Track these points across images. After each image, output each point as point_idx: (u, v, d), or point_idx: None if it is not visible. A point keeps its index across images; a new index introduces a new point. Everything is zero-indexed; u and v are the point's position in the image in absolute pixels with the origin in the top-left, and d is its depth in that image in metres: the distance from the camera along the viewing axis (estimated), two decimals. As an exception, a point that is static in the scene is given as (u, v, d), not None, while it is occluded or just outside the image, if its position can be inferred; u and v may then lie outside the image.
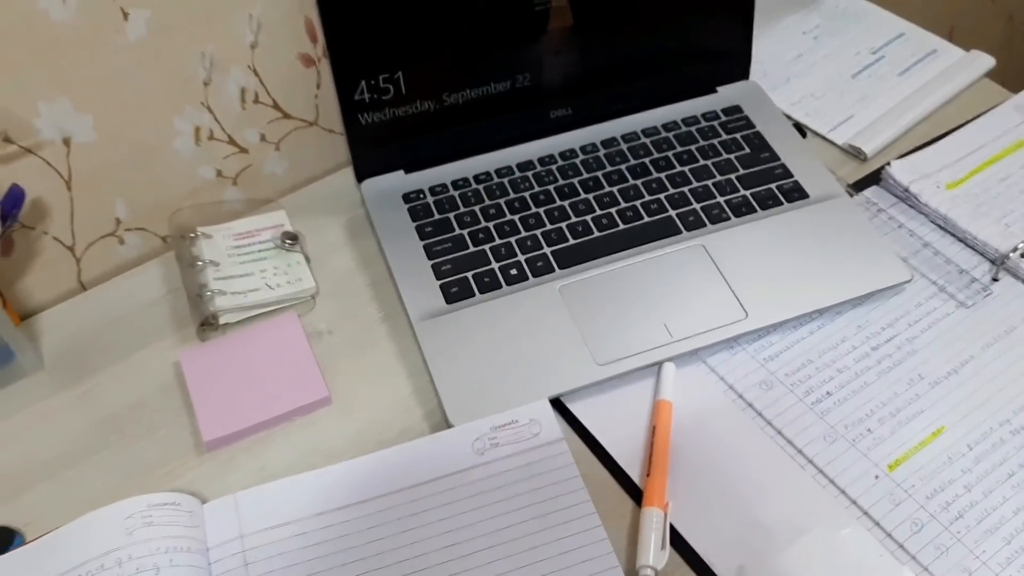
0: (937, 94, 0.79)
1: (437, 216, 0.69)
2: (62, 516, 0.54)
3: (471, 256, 0.66)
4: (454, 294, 0.64)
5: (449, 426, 0.58)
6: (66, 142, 0.63)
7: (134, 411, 0.61)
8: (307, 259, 0.69)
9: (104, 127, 0.64)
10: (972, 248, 0.68)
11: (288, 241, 0.69)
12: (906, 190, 0.70)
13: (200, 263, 0.67)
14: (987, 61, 0.82)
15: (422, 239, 0.68)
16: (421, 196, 0.70)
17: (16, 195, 0.59)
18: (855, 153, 0.76)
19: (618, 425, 0.59)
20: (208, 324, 0.64)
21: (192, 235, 0.69)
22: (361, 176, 0.72)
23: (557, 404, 0.60)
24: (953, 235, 0.69)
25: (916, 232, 0.69)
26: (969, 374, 0.60)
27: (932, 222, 0.69)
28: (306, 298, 0.67)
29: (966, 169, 0.73)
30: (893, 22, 0.87)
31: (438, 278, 0.65)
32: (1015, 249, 0.66)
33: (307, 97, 0.73)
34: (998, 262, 0.66)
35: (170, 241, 0.72)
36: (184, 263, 0.68)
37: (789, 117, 0.77)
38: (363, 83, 0.67)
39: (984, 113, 0.78)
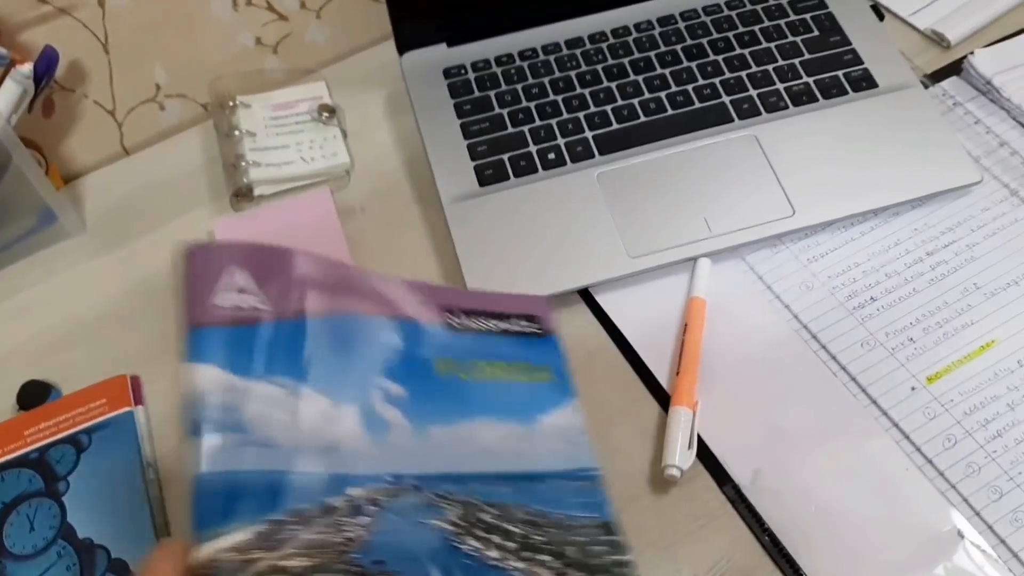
0: (1039, -24, 0.71)
1: (477, 94, 0.66)
2: (96, 375, 0.56)
3: (509, 137, 0.64)
4: (488, 176, 0.62)
5: (472, 310, 0.57)
6: (100, 3, 0.62)
7: (169, 278, 0.62)
8: (344, 133, 0.67)
9: (139, -12, 0.63)
10: (1055, 150, 0.62)
11: (325, 114, 0.68)
12: (988, 82, 0.64)
13: (237, 133, 0.66)
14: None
15: (459, 117, 0.65)
16: (462, 72, 0.67)
17: (49, 57, 0.59)
18: (937, 40, 0.69)
19: (648, 321, 0.57)
20: (242, 195, 0.64)
21: (231, 104, 0.68)
22: (402, 48, 0.69)
23: (586, 296, 0.59)
24: (1036, 135, 0.63)
25: (993, 129, 0.63)
26: (1031, 287, 0.56)
27: (1013, 119, 0.63)
28: (340, 173, 0.66)
29: (1060, 62, 0.66)
30: None
31: (473, 159, 0.63)
32: (1104, 153, 0.60)
33: (349, -38, 0.70)
34: (1083, 167, 0.60)
35: (210, 109, 0.71)
36: (221, 132, 0.68)
37: (868, -3, 0.71)
38: (405, -52, 0.64)
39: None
